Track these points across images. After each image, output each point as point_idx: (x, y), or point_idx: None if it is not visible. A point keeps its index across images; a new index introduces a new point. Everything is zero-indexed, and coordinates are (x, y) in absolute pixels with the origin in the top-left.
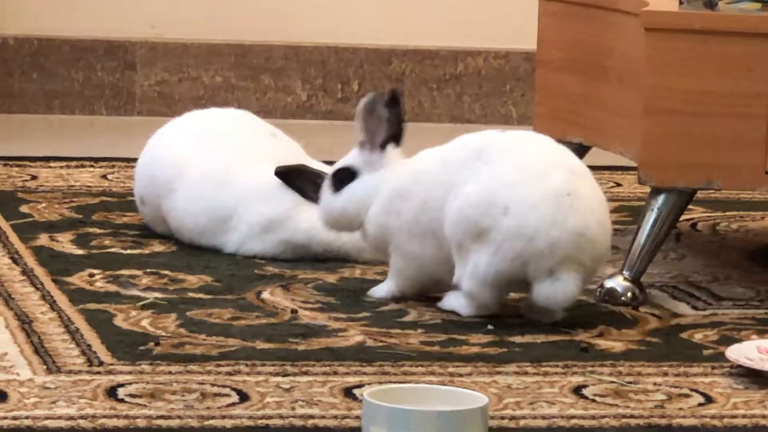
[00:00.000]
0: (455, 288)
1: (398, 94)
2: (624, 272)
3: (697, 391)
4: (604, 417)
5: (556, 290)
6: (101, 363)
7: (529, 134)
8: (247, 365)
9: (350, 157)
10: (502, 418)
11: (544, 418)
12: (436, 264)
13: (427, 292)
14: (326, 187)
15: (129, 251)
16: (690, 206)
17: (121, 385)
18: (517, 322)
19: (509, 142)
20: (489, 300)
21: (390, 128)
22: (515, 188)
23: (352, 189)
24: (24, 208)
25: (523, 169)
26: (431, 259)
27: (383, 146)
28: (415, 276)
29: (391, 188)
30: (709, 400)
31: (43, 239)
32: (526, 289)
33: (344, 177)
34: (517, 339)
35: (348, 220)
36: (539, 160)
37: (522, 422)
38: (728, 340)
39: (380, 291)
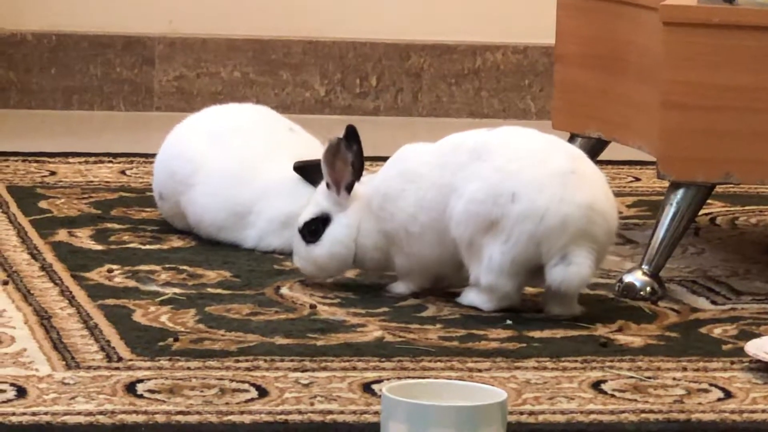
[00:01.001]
0: (465, 283)
1: (353, 130)
2: (643, 267)
3: (716, 386)
4: (623, 412)
5: (570, 273)
6: (120, 359)
7: (518, 128)
8: (266, 361)
9: (315, 205)
10: (521, 413)
11: (563, 413)
12: (438, 261)
13: (438, 286)
14: (299, 242)
15: (148, 247)
16: (709, 201)
17: (140, 381)
18: (536, 317)
19: (502, 136)
20: (509, 290)
21: (354, 171)
22: (519, 174)
23: (332, 233)
24: (43, 204)
25: (523, 157)
26: (433, 257)
27: (349, 189)
28: (422, 273)
29: (380, 194)
30: (728, 395)
31: (61, 235)
32: (542, 279)
33: (318, 225)
34: (536, 334)
35: (338, 263)
36: (537, 147)
37: (541, 417)
38: (747, 335)
39: (398, 288)
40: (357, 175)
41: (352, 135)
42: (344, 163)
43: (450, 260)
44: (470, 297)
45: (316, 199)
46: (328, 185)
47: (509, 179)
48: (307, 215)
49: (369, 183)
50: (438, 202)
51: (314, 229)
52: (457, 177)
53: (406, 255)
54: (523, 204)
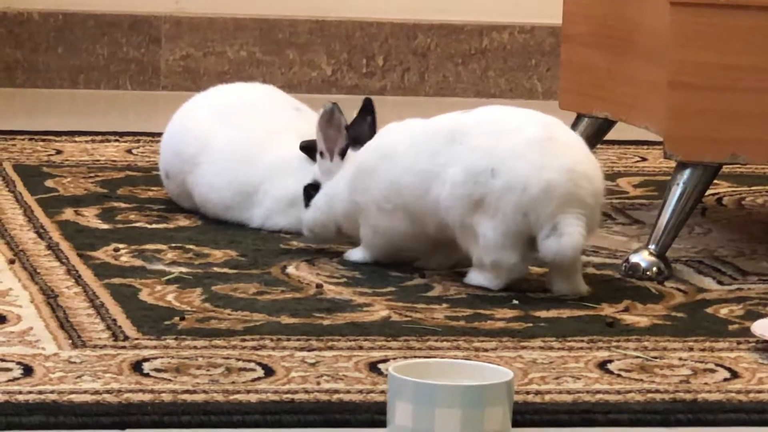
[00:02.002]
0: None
1: (370, 102)
2: (649, 247)
3: (722, 366)
4: (629, 392)
5: (563, 243)
6: (126, 338)
7: (491, 107)
8: (272, 340)
9: (312, 173)
10: (528, 392)
11: (569, 392)
12: (404, 237)
13: (398, 259)
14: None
15: (154, 226)
16: (715, 181)
17: (147, 360)
18: (542, 297)
19: (475, 117)
20: (513, 261)
21: (350, 135)
22: (495, 149)
23: (316, 200)
24: (49, 183)
25: (497, 132)
26: (400, 233)
27: (342, 154)
28: (384, 246)
29: (355, 166)
30: (734, 375)
31: (68, 214)
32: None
33: (311, 192)
34: (543, 314)
35: (323, 228)
36: (510, 121)
37: (547, 397)
38: (754, 315)
39: (355, 255)
40: (352, 139)
41: (368, 107)
42: (337, 129)
43: (419, 239)
44: (477, 278)
45: (314, 168)
46: (321, 153)
47: (486, 156)
48: (306, 181)
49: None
50: (416, 187)
51: (308, 195)
52: (435, 163)
53: (372, 227)
54: (504, 177)
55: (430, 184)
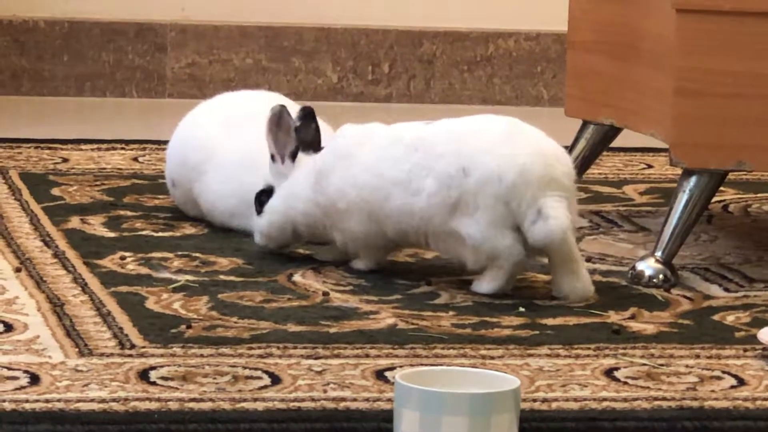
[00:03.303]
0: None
1: (311, 112)
2: (656, 254)
3: (729, 373)
4: (636, 399)
5: (550, 225)
6: (133, 346)
7: (450, 118)
8: (278, 348)
9: (264, 179)
10: (534, 400)
11: (576, 400)
12: (366, 236)
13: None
14: (255, 211)
15: (160, 234)
16: (721, 188)
17: (153, 368)
18: (548, 305)
19: (439, 127)
20: (507, 244)
21: (299, 138)
22: (462, 150)
23: (271, 204)
24: (55, 191)
25: (462, 136)
26: (361, 232)
27: (293, 156)
28: (362, 248)
29: (316, 170)
30: (741, 382)
31: (74, 222)
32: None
33: (263, 198)
34: (549, 321)
35: (279, 231)
36: (471, 124)
37: (554, 405)
38: (760, 323)
39: (357, 264)
40: (302, 142)
41: (309, 115)
42: (286, 132)
43: (382, 238)
44: (481, 284)
45: (265, 173)
46: (273, 157)
47: (455, 159)
48: (258, 189)
49: (312, 157)
50: (374, 189)
51: (260, 201)
52: (397, 169)
53: (340, 231)
54: (477, 173)
55: (391, 190)
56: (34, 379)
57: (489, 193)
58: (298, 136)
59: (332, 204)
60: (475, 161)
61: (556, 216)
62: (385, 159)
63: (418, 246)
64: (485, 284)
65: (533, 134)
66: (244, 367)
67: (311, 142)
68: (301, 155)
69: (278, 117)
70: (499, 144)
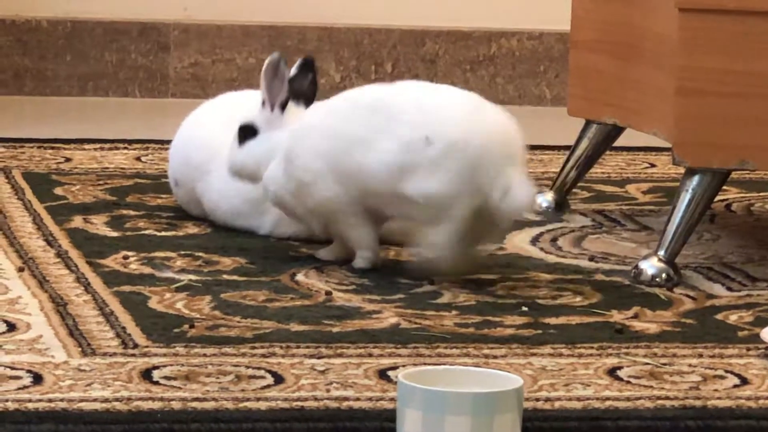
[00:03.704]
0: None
1: (311, 61)
2: (658, 253)
3: (732, 372)
4: (639, 398)
5: (522, 194)
6: (136, 345)
7: (412, 82)
8: (281, 347)
9: (251, 113)
10: (537, 399)
11: (579, 399)
12: (344, 204)
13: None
14: (234, 138)
15: (163, 233)
16: (724, 187)
17: (156, 368)
18: (551, 304)
19: (399, 90)
20: (460, 199)
21: (292, 90)
22: (428, 118)
23: (251, 146)
24: (58, 191)
25: (428, 109)
26: (338, 201)
27: (283, 107)
28: (344, 222)
29: (287, 150)
30: (744, 381)
31: (77, 221)
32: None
33: (247, 133)
34: (552, 321)
35: (247, 173)
36: (439, 96)
37: (557, 404)
38: (763, 322)
39: (359, 263)
40: (293, 93)
41: (309, 64)
42: (281, 81)
43: (349, 205)
44: (428, 246)
45: (252, 112)
46: (263, 102)
47: (418, 128)
48: (243, 118)
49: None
50: (335, 150)
51: (243, 134)
52: (356, 129)
53: (311, 210)
54: (440, 142)
55: (350, 148)
56: (37, 379)
57: (456, 158)
58: (291, 87)
59: (302, 184)
60: (442, 131)
61: (522, 186)
62: (343, 120)
63: (382, 214)
64: (433, 238)
65: (494, 109)
66: (247, 367)
67: (305, 93)
68: (291, 106)
69: (275, 65)
70: (466, 119)
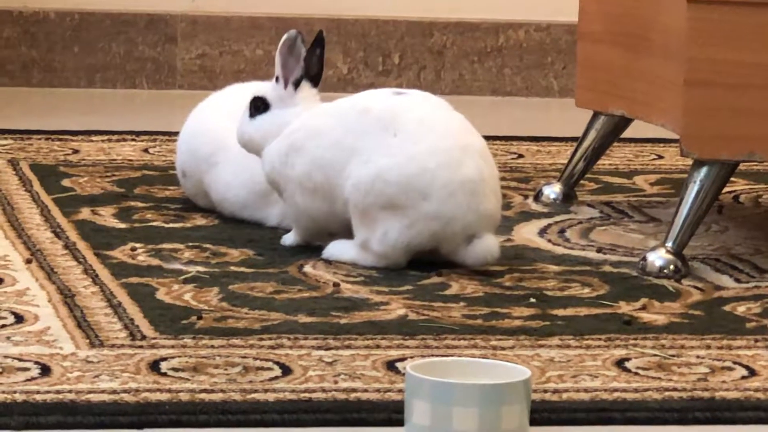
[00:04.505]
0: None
1: (322, 37)
2: (666, 245)
3: (740, 363)
4: (647, 390)
5: (487, 245)
6: (144, 337)
7: (427, 102)
8: (289, 339)
9: (265, 87)
10: (545, 391)
11: (587, 391)
12: (325, 217)
13: (324, 240)
14: (245, 110)
15: (171, 225)
16: (732, 178)
17: (164, 359)
18: (559, 295)
19: (414, 113)
20: (402, 261)
21: (306, 68)
22: (434, 174)
23: (261, 120)
24: (66, 182)
25: (439, 153)
26: (320, 213)
27: (297, 84)
28: (308, 226)
29: (288, 142)
30: (752, 372)
31: (85, 213)
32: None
33: (259, 106)
34: (560, 312)
35: (255, 146)
36: (451, 144)
37: (565, 395)
38: None
39: (288, 239)
40: (307, 72)
41: (319, 41)
42: (297, 59)
43: (336, 217)
44: (350, 253)
45: (266, 86)
46: (277, 78)
47: (424, 176)
48: (258, 90)
49: (311, 112)
50: (338, 162)
51: (255, 106)
52: (361, 141)
53: (295, 204)
54: (434, 205)
55: (350, 159)
56: (45, 371)
57: (432, 228)
58: (306, 65)
59: (298, 182)
60: (439, 196)
61: (487, 238)
62: (351, 130)
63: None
64: (351, 253)
65: (491, 179)
66: (255, 358)
67: (313, 70)
68: (304, 84)
69: (293, 42)
70: (465, 192)
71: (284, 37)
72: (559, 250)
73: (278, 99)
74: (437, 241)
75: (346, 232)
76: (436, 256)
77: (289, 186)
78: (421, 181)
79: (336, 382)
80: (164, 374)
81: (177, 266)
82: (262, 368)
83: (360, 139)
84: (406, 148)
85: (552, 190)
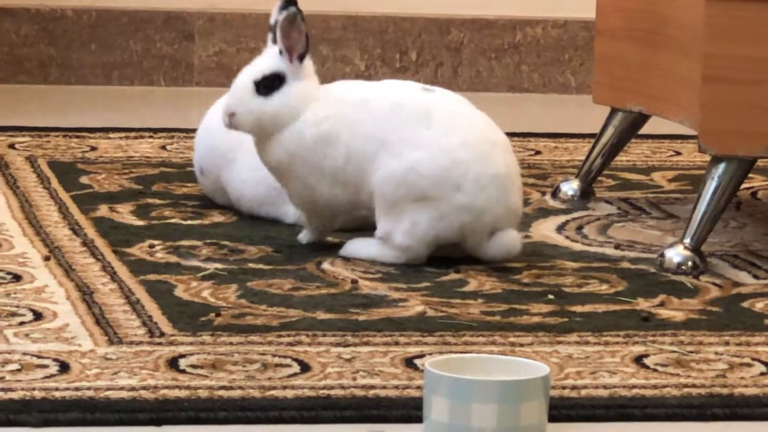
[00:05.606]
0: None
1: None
2: (684, 241)
3: (758, 360)
4: (665, 386)
5: (510, 239)
6: (162, 334)
7: (454, 99)
8: (308, 336)
9: (274, 63)
10: (564, 387)
11: (605, 387)
12: (335, 204)
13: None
14: (250, 92)
15: (189, 222)
16: (750, 174)
17: (183, 356)
18: (577, 292)
19: (444, 107)
20: (423, 254)
21: (308, 42)
22: (468, 167)
23: (285, 94)
24: (84, 179)
25: (471, 147)
26: (333, 200)
27: (301, 58)
28: (319, 214)
29: (315, 131)
30: None
31: (103, 210)
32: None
33: (274, 82)
34: (578, 309)
35: (277, 124)
36: (481, 138)
37: (583, 392)
38: None
39: (304, 238)
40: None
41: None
42: (299, 33)
43: (348, 205)
44: (369, 250)
45: (270, 59)
46: (281, 51)
47: (456, 169)
48: (263, 69)
49: (334, 97)
50: (370, 153)
51: (270, 84)
52: (394, 134)
53: (308, 192)
54: (466, 197)
55: (379, 151)
56: (64, 368)
57: (462, 220)
58: (307, 41)
59: (329, 172)
60: (472, 189)
61: (509, 232)
62: (386, 122)
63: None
64: (374, 252)
65: (516, 175)
66: (274, 355)
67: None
68: (307, 61)
69: (293, 17)
70: (496, 185)
71: (284, 14)
72: (577, 247)
73: (292, 72)
74: (464, 234)
75: (354, 226)
76: (456, 250)
77: (310, 174)
78: (454, 174)
79: (354, 379)
80: (183, 371)
81: (195, 263)
82: (280, 365)
83: (393, 132)
84: (439, 140)
85: (570, 187)
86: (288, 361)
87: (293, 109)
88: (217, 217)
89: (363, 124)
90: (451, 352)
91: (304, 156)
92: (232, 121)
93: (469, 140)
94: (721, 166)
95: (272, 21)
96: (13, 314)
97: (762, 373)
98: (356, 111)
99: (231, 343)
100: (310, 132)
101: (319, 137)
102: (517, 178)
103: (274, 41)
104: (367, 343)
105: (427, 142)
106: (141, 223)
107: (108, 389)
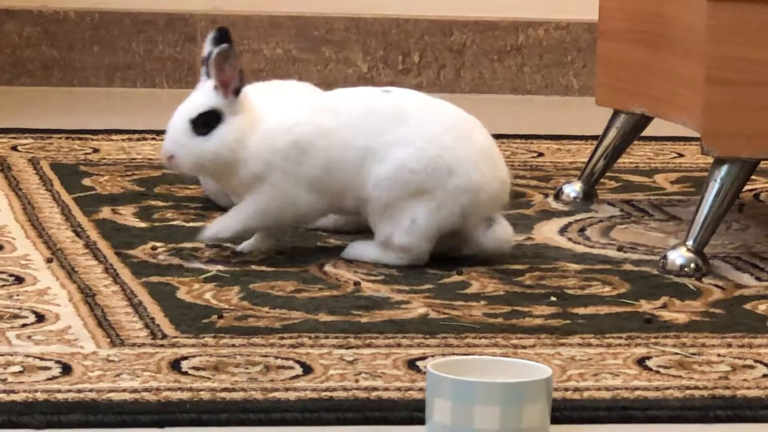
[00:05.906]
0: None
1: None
2: (687, 243)
3: (761, 362)
4: (668, 388)
5: (505, 230)
6: (164, 336)
7: (415, 94)
8: (310, 338)
9: (209, 100)
10: (566, 389)
11: (608, 389)
12: (305, 211)
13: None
14: (187, 132)
15: (191, 224)
16: (753, 177)
17: (185, 358)
18: (579, 294)
19: (412, 103)
20: (425, 251)
21: (242, 78)
22: (454, 149)
23: (223, 133)
24: (86, 181)
25: (450, 131)
26: (304, 207)
27: (236, 93)
28: (274, 218)
29: (290, 138)
30: None
31: (105, 212)
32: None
33: (210, 120)
34: (580, 311)
35: (221, 164)
36: (455, 120)
37: (586, 394)
38: None
39: (221, 229)
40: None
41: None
42: (233, 68)
43: (318, 212)
44: (372, 253)
45: (204, 96)
46: (216, 87)
47: (445, 153)
48: (198, 106)
49: (273, 108)
50: (351, 163)
51: (206, 122)
52: (374, 140)
53: (277, 195)
54: (461, 179)
55: (365, 159)
56: (66, 369)
57: (461, 202)
58: (241, 74)
59: (304, 179)
60: (464, 169)
61: (502, 221)
62: (363, 129)
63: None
64: (377, 255)
65: (496, 151)
66: (276, 357)
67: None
68: (243, 94)
69: (226, 52)
70: (485, 160)
71: (217, 49)
72: (580, 249)
73: (228, 107)
74: (465, 217)
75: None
76: (457, 240)
77: (281, 180)
78: (444, 159)
79: (357, 381)
80: (185, 373)
81: (197, 265)
82: (283, 367)
83: (372, 138)
84: (420, 133)
85: (572, 189)
86: (290, 363)
87: (233, 147)
88: None
89: (340, 132)
90: (453, 354)
91: (282, 167)
92: (171, 164)
93: (447, 124)
94: (724, 168)
95: (205, 54)
96: (16, 316)
97: (765, 375)
98: (328, 118)
99: (233, 345)
100: (274, 143)
101: (291, 145)
102: (498, 151)
103: (208, 75)
104: (369, 345)
105: (407, 140)
106: (143, 225)
107: (110, 391)
